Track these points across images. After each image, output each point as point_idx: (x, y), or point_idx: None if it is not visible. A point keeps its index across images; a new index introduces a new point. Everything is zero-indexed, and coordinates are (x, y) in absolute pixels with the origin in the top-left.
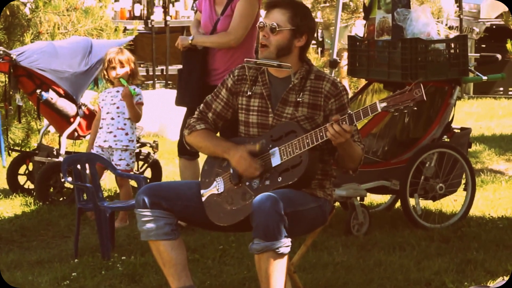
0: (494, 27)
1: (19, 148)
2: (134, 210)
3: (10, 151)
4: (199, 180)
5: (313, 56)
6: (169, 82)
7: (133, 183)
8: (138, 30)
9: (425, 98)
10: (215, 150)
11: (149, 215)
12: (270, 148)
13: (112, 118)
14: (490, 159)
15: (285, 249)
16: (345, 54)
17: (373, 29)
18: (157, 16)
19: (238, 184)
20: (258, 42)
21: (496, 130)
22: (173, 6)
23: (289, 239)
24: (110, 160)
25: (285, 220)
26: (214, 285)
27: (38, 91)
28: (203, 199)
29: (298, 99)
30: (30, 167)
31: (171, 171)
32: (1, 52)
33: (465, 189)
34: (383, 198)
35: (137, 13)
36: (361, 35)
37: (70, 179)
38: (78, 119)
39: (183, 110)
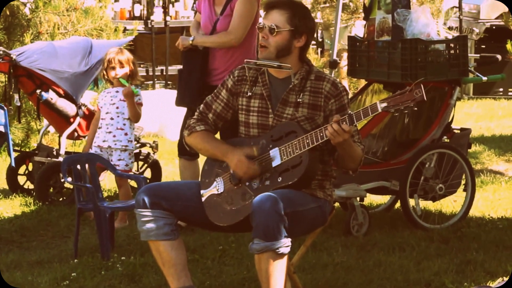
0: (494, 27)
1: (19, 148)
2: (134, 210)
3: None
4: (199, 180)
5: (313, 57)
6: (169, 82)
7: (132, 183)
8: (138, 30)
9: (425, 98)
10: (214, 153)
11: (149, 215)
12: (270, 148)
13: (112, 118)
14: (489, 159)
15: (285, 249)
16: (345, 55)
17: (373, 30)
18: (157, 16)
19: (238, 184)
20: (259, 42)
21: (496, 130)
22: (173, 6)
23: (289, 239)
24: (109, 160)
25: (285, 220)
26: (214, 286)
27: (38, 91)
28: (203, 199)
29: (298, 100)
30: (30, 167)
31: (171, 172)
32: (1, 52)
33: (465, 190)
34: (383, 199)
35: (137, 13)
36: (361, 36)
37: (70, 179)
38: (78, 119)
39: (183, 110)
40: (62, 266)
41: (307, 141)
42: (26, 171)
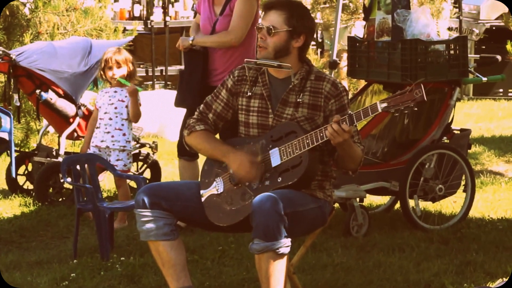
0: (494, 28)
1: (18, 149)
2: (134, 210)
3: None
4: (199, 180)
5: (313, 57)
6: (168, 82)
7: (132, 183)
8: (138, 30)
9: (425, 98)
10: (213, 153)
11: (148, 215)
12: (270, 148)
13: (110, 119)
14: (489, 160)
15: (285, 249)
16: (345, 55)
17: (373, 30)
18: (157, 16)
19: (238, 184)
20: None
21: (495, 131)
22: (173, 6)
23: (289, 239)
24: (108, 161)
25: (285, 220)
26: (213, 286)
27: (37, 91)
28: (203, 199)
29: (298, 100)
30: (30, 167)
31: (170, 172)
32: (1, 52)
33: (464, 191)
34: (383, 199)
35: (136, 14)
36: (361, 36)
37: (69, 179)
38: (78, 119)
39: (182, 111)
40: (62, 267)
41: (307, 141)
42: (26, 172)
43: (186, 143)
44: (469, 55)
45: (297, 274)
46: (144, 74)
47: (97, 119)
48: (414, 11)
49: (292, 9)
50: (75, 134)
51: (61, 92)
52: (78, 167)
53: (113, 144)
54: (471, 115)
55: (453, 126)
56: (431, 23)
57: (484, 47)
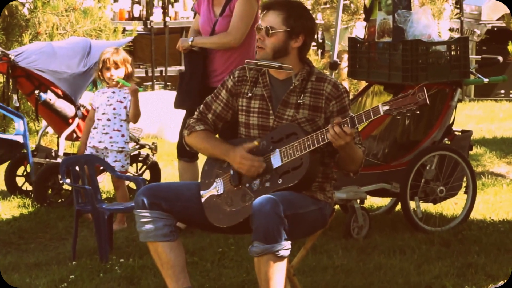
0: (495, 29)
1: None
2: (133, 211)
3: None
4: (199, 181)
5: (314, 58)
6: (168, 83)
7: (131, 185)
8: (137, 31)
9: (428, 102)
10: (214, 152)
11: (148, 216)
12: (271, 149)
13: (108, 120)
14: (491, 162)
15: (285, 252)
16: (346, 56)
17: (374, 31)
18: (156, 17)
19: (238, 185)
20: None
21: (497, 133)
22: (173, 7)
23: (289, 242)
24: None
25: (285, 223)
26: None
27: (36, 92)
28: (203, 200)
29: (299, 101)
30: (28, 168)
31: (170, 173)
32: (0, 52)
33: (465, 192)
34: (383, 201)
35: (136, 14)
36: (362, 37)
37: (68, 180)
38: (77, 120)
39: (182, 111)
40: (60, 268)
41: (308, 143)
42: (25, 173)
43: (186, 143)
44: (470, 56)
45: (298, 276)
46: (144, 75)
47: (93, 120)
48: (415, 12)
49: (290, 9)
50: (74, 135)
51: (60, 92)
52: (77, 168)
53: (112, 145)
54: (473, 116)
55: (454, 128)
56: (432, 24)
57: (485, 48)
